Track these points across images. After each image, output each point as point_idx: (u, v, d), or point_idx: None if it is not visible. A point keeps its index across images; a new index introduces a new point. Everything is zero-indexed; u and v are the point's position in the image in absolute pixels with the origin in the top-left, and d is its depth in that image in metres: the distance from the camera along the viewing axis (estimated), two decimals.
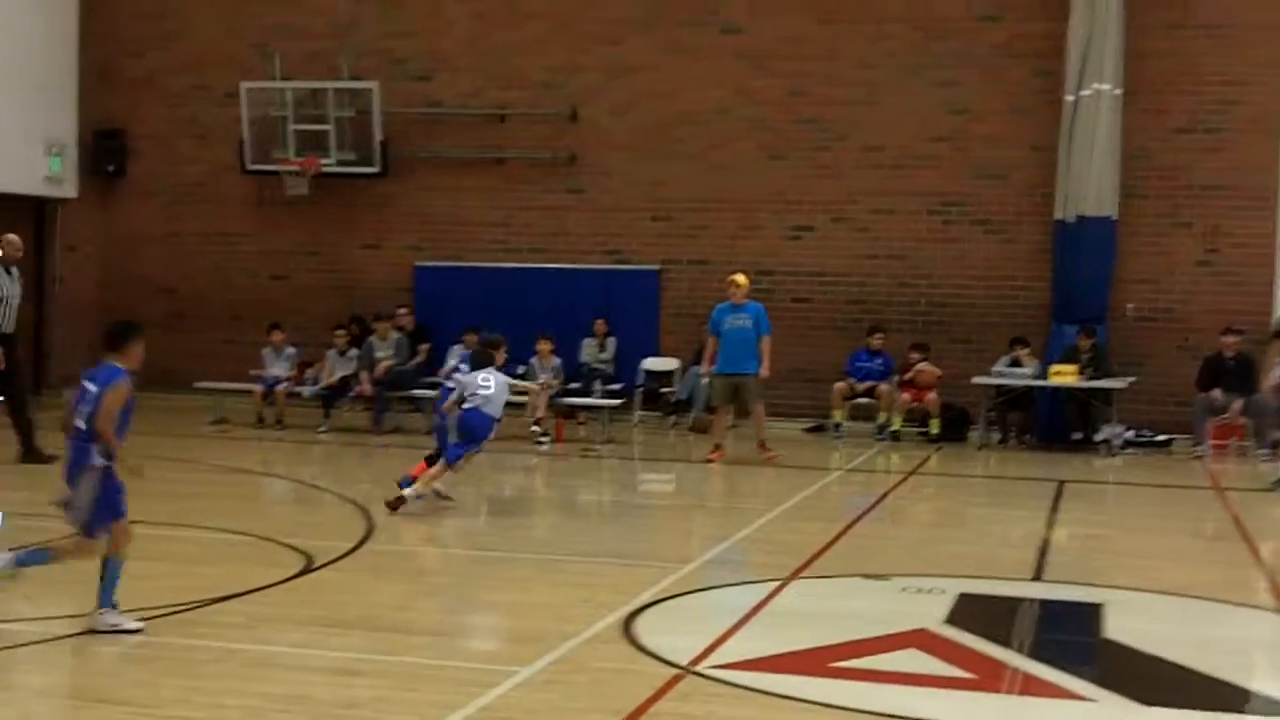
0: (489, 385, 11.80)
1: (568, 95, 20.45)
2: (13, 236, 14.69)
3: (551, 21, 20.53)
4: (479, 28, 20.77)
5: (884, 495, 13.84)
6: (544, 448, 16.85)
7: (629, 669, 7.10)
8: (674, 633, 7.92)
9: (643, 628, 7.88)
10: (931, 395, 18.40)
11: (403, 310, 19.75)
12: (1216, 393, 17.55)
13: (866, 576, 9.58)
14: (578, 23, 20.46)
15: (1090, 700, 6.86)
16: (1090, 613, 8.70)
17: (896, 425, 18.34)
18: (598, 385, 19.19)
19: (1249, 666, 7.87)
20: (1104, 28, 18.33)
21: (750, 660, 7.31)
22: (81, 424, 7.44)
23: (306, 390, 18.65)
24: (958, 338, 19.08)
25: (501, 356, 12.21)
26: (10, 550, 7.88)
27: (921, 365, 18.48)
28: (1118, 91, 18.37)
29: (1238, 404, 17.43)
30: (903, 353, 18.65)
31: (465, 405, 11.77)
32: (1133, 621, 8.46)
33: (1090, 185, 18.39)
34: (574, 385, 18.87)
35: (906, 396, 18.42)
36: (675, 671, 7.02)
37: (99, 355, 7.71)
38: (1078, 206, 18.47)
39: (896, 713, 6.52)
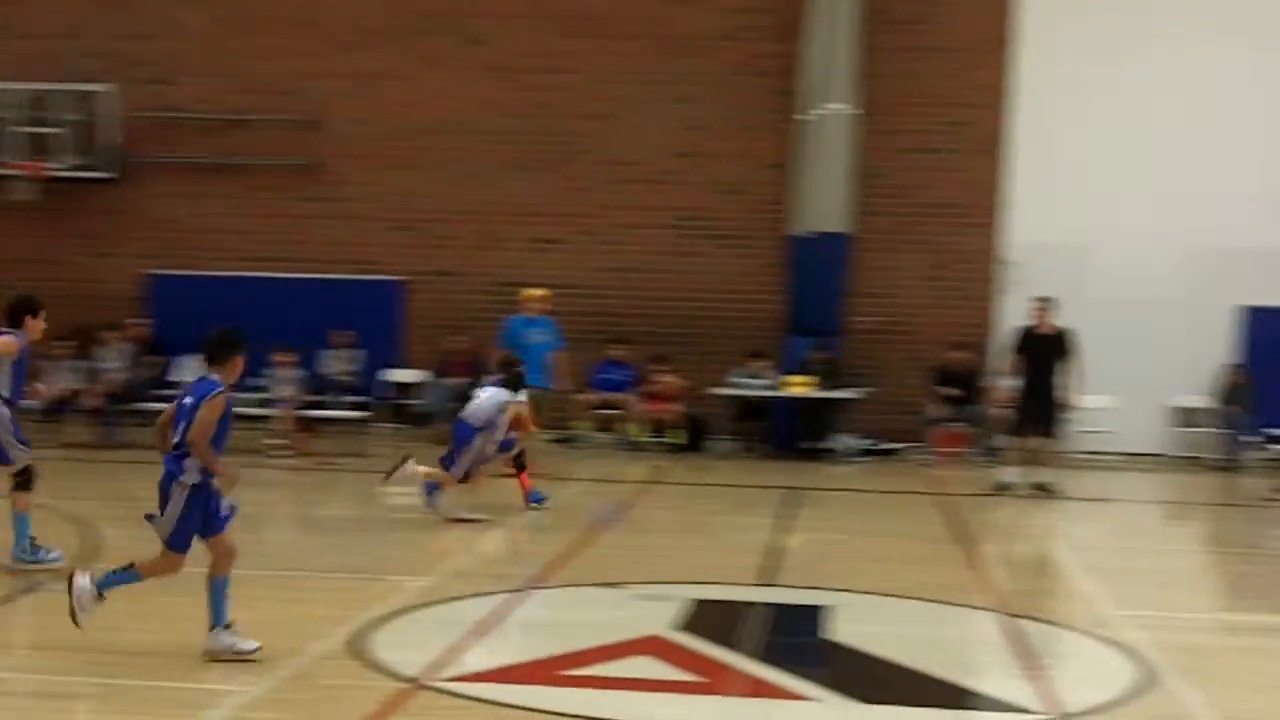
0: (477, 399, 12.59)
1: (311, 102, 20.16)
2: None
3: (294, 27, 20.22)
4: (219, 31, 20.32)
5: (625, 505, 13.99)
6: (284, 462, 16.55)
7: (358, 684, 7.03)
8: (406, 647, 7.87)
9: (374, 643, 7.82)
10: (673, 406, 18.69)
11: (132, 320, 19.17)
12: (944, 403, 18.27)
13: (602, 585, 9.68)
14: (321, 29, 20.20)
15: (815, 700, 7.08)
16: (818, 616, 8.96)
17: (639, 436, 18.57)
18: (341, 397, 18.93)
19: (966, 664, 8.22)
20: (837, 49, 18.89)
21: (483, 672, 7.33)
22: (177, 438, 7.26)
23: (31, 403, 17.92)
24: (697, 350, 19.40)
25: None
26: (87, 574, 7.51)
27: (663, 377, 18.76)
28: (851, 111, 18.97)
29: (964, 413, 18.18)
30: (645, 364, 18.92)
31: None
32: (859, 624, 8.75)
33: (823, 202, 18.95)
34: (316, 397, 18.58)
35: (649, 407, 18.67)
36: (405, 685, 6.99)
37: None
38: (811, 223, 19.00)
39: (626, 718, 6.61)
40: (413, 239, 20.11)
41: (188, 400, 7.36)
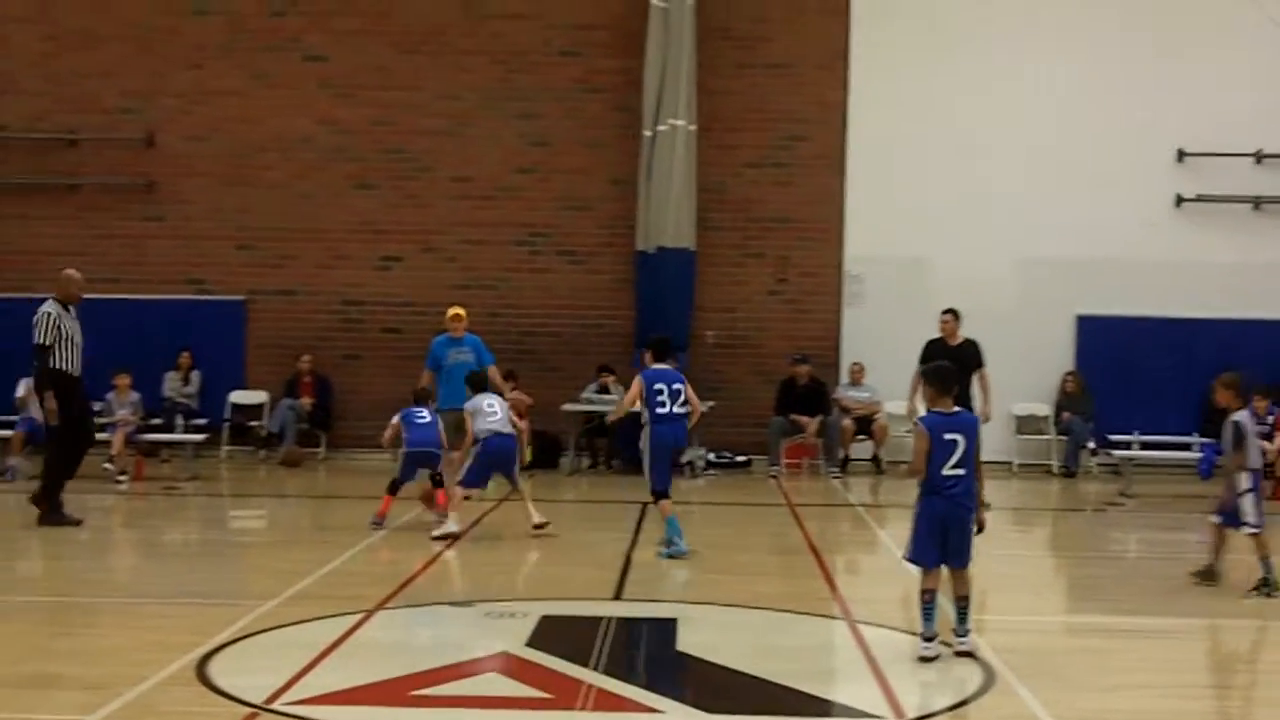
0: (495, 410, 12.61)
1: (145, 120, 19.79)
2: (72, 273, 13.08)
3: (127, 45, 19.84)
4: (49, 49, 19.88)
5: (475, 522, 13.90)
6: (122, 487, 16.19)
7: (200, 711, 6.90)
8: (250, 672, 7.72)
9: (217, 668, 7.67)
10: (523, 423, 18.60)
11: None
12: (792, 416, 18.50)
13: (450, 604, 9.60)
14: (155, 47, 19.86)
15: (659, 711, 7.08)
16: (665, 628, 9.00)
17: None
18: (181, 420, 18.59)
19: (814, 672, 8.29)
20: (677, 66, 19.06)
21: (328, 694, 7.22)
22: None
23: None
24: (547, 366, 19.43)
25: None
26: None
27: (513, 394, 18.67)
28: (692, 127, 19.13)
29: (812, 425, 18.41)
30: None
31: (482, 432, 12.45)
32: (704, 634, 8.80)
33: (669, 217, 19.09)
34: (156, 420, 18.21)
35: None
36: (249, 710, 6.86)
37: None
38: (657, 238, 19.12)
39: None
40: (253, 258, 19.85)
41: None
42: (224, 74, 19.83)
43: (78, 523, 12.82)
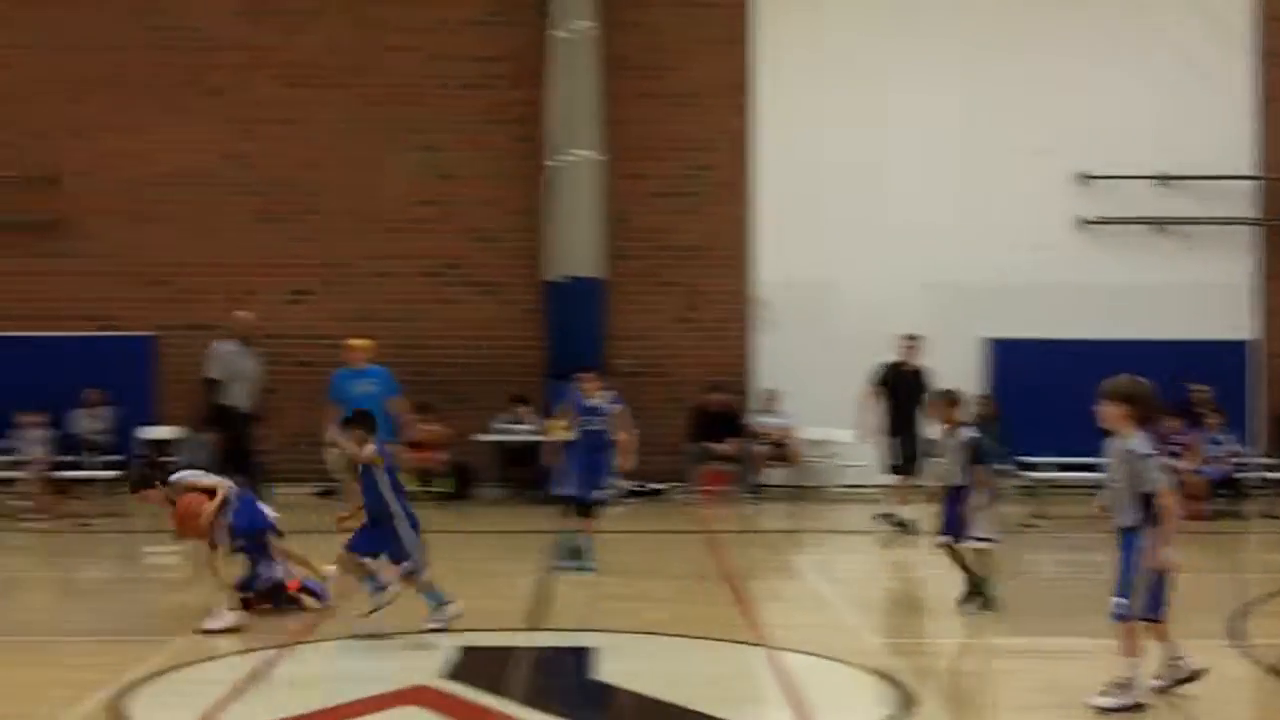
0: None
1: (45, 156, 19.58)
2: (244, 314, 12.76)
3: (23, 81, 19.63)
4: None
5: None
6: (38, 524, 16.00)
7: None
8: (166, 708, 7.68)
9: (133, 706, 7.60)
10: (438, 454, 18.60)
11: None
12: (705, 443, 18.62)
13: (367, 637, 9.56)
14: (51, 82, 19.64)
15: None
16: (587, 657, 9.02)
17: (405, 485, 18.33)
18: (94, 457, 18.37)
19: (732, 698, 8.34)
20: (579, 96, 19.16)
21: None
22: None
23: None
24: (458, 397, 19.35)
25: None
26: None
27: (427, 425, 18.64)
28: (596, 157, 19.23)
29: (731, 448, 18.54)
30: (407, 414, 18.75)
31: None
32: (624, 663, 8.83)
33: (576, 247, 19.17)
34: (68, 458, 17.99)
35: (414, 456, 18.50)
36: None
37: None
38: (566, 268, 19.18)
39: None
40: (161, 293, 19.66)
41: None
42: (122, 109, 19.65)
43: None
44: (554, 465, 13.02)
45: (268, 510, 10.55)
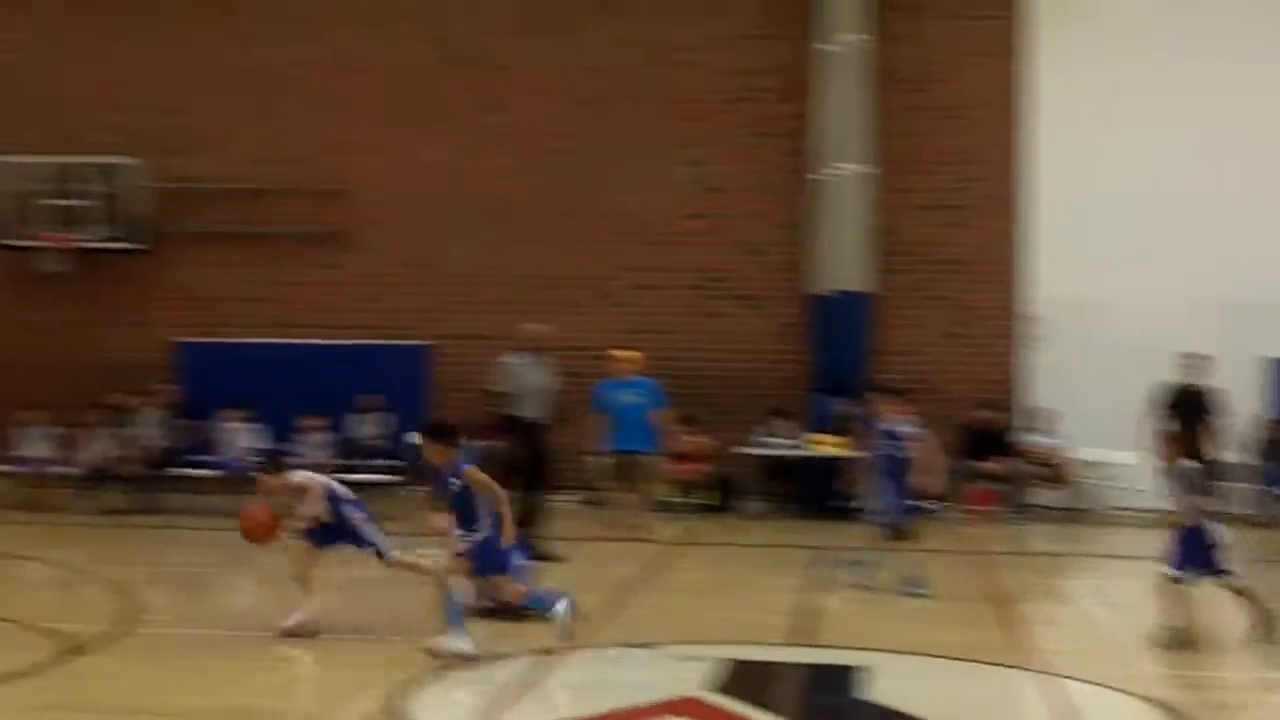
0: None
1: (332, 170, 20.39)
2: (534, 326, 13.96)
3: (316, 97, 20.48)
4: (240, 104, 20.57)
5: (654, 565, 13.97)
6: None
7: None
8: (447, 706, 7.89)
9: (416, 705, 7.84)
10: (702, 466, 18.70)
11: (163, 386, 19.35)
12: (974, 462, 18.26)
13: (635, 646, 9.65)
14: (341, 99, 20.45)
15: None
16: (852, 675, 8.94)
17: (668, 496, 18.47)
18: (370, 461, 18.96)
19: None
20: (848, 109, 19.06)
21: None
22: None
23: (70, 470, 18.22)
24: (720, 409, 19.38)
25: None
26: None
27: (692, 437, 18.73)
28: (863, 170, 19.09)
29: (995, 467, 18.16)
30: (671, 425, 18.89)
31: None
32: (892, 682, 8.73)
33: (841, 260, 19.06)
34: (346, 461, 18.62)
35: (677, 468, 18.64)
36: None
37: None
38: (831, 281, 19.08)
39: None
40: (436, 304, 20.27)
41: None
42: (408, 125, 20.35)
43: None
44: (858, 486, 12.92)
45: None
